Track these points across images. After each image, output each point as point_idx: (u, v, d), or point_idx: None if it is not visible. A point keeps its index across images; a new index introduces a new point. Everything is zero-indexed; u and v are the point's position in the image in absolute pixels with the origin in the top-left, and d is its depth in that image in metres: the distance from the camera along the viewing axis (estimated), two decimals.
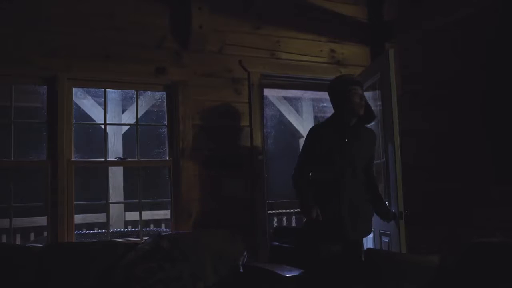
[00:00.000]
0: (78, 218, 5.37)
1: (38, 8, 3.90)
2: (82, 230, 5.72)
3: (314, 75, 4.79)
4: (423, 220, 5.05)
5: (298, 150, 4.08)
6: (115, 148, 6.02)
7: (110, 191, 5.10)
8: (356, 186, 3.67)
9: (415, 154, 5.16)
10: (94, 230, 5.87)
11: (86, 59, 3.99)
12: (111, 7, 4.12)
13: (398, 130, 4.11)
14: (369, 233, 3.89)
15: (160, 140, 4.54)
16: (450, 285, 3.49)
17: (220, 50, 4.46)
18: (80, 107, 5.77)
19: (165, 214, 5.80)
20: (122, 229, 5.94)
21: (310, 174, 3.72)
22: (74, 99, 4.24)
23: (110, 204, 4.45)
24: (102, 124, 4.62)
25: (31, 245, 3.95)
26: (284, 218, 6.71)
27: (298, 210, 3.94)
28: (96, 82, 4.21)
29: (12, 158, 3.85)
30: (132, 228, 6.13)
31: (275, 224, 6.58)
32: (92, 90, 5.52)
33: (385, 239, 4.27)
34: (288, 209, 6.62)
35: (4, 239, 4.90)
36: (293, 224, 6.71)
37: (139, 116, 4.64)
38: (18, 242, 5.55)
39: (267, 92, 5.07)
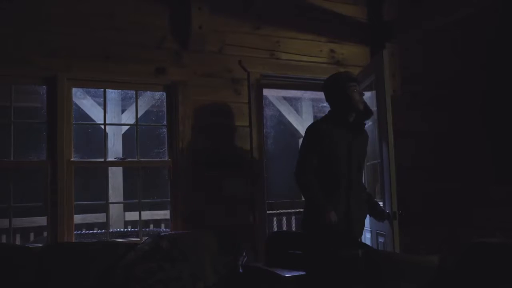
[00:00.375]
0: (78, 218, 5.37)
1: (38, 8, 3.90)
2: (81, 230, 5.71)
3: (313, 75, 4.79)
4: (423, 220, 5.06)
5: (297, 150, 4.07)
6: (114, 148, 6.02)
7: (110, 191, 5.10)
8: (358, 184, 3.67)
9: (415, 155, 5.16)
10: (93, 230, 5.87)
11: (86, 59, 3.99)
12: (111, 7, 4.12)
13: (392, 130, 4.10)
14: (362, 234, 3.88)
15: (160, 140, 4.54)
16: (449, 285, 3.49)
17: (220, 50, 4.46)
18: (79, 107, 5.76)
19: (164, 214, 5.80)
20: (122, 229, 5.94)
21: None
22: (74, 99, 4.24)
23: (109, 204, 4.45)
24: (101, 124, 4.61)
25: (31, 245, 3.95)
26: (284, 218, 6.70)
27: (300, 210, 3.86)
28: (96, 82, 4.21)
29: (12, 158, 3.85)
30: (131, 228, 6.12)
31: (275, 224, 6.57)
32: (91, 90, 5.52)
33: (381, 239, 4.27)
34: (288, 209, 6.62)
35: (4, 239, 4.90)
36: (293, 225, 6.70)
37: (138, 116, 4.64)
38: (18, 242, 5.54)
39: (266, 92, 5.06)
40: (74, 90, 4.09)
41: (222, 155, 4.37)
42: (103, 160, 4.28)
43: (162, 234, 3.80)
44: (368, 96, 4.43)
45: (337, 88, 3.61)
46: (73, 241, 3.91)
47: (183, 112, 4.25)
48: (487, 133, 5.45)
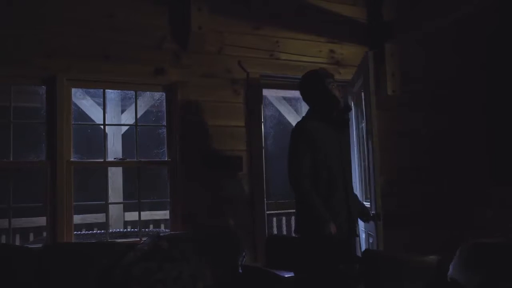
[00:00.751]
0: (78, 219, 5.37)
1: (37, 9, 3.89)
2: (81, 231, 5.71)
3: None
4: (422, 220, 5.06)
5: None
6: (114, 148, 6.02)
7: (109, 191, 5.11)
8: (352, 184, 3.64)
9: (415, 154, 5.16)
10: (93, 231, 5.87)
11: (86, 60, 3.99)
12: (111, 8, 4.12)
13: (376, 131, 4.09)
14: None
15: (159, 141, 4.54)
16: (449, 285, 3.49)
17: (219, 50, 4.46)
18: (79, 108, 5.76)
19: (164, 214, 5.80)
20: (122, 230, 5.94)
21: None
22: (74, 99, 4.24)
23: (109, 205, 4.46)
24: (101, 124, 4.62)
25: (30, 246, 3.96)
26: (284, 218, 6.70)
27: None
28: (95, 83, 4.21)
29: (12, 159, 3.85)
30: (131, 228, 6.12)
31: (275, 224, 6.56)
32: (91, 90, 5.51)
33: (370, 240, 4.26)
34: (288, 209, 6.61)
35: (3, 240, 4.89)
36: (293, 225, 6.68)
37: (138, 116, 4.65)
38: (17, 242, 5.54)
39: (266, 92, 5.07)
40: (73, 90, 4.09)
41: (222, 155, 4.37)
42: (102, 160, 4.28)
43: (161, 234, 3.80)
44: (363, 97, 4.44)
45: (318, 86, 3.51)
46: (73, 241, 3.91)
47: (183, 112, 4.25)
48: (487, 133, 5.45)
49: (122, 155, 5.89)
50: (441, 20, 4.54)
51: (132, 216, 6.16)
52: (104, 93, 4.31)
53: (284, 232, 6.53)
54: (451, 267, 3.59)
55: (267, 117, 7.19)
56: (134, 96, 4.49)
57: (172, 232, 4.09)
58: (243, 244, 4.01)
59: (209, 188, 4.30)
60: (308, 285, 3.32)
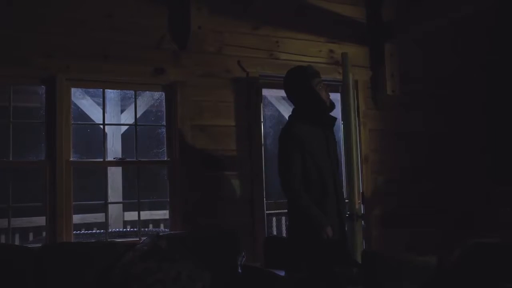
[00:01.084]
0: (77, 218, 5.36)
1: (37, 9, 3.89)
2: (81, 230, 5.71)
3: None
4: (422, 220, 5.06)
5: None
6: (113, 148, 6.01)
7: (109, 191, 5.11)
8: (341, 186, 3.60)
9: (414, 154, 5.16)
10: (92, 230, 5.86)
11: (85, 60, 3.99)
12: (110, 8, 4.11)
13: (357, 132, 4.07)
14: None
15: (159, 140, 4.53)
16: (449, 285, 3.50)
17: (219, 50, 4.46)
18: (78, 107, 5.75)
19: (164, 214, 5.80)
20: (121, 229, 5.93)
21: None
22: (73, 99, 4.24)
23: (108, 204, 4.45)
24: (100, 124, 4.62)
25: (30, 245, 3.95)
26: (283, 218, 6.69)
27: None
28: (95, 82, 4.21)
29: (11, 158, 3.85)
30: (131, 228, 6.12)
31: (274, 224, 6.56)
32: (90, 90, 5.51)
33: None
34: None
35: (3, 239, 4.88)
36: None
37: (137, 116, 4.64)
38: (17, 242, 5.54)
39: (265, 92, 5.06)
40: (73, 90, 4.09)
41: (221, 155, 4.37)
42: (102, 160, 4.29)
43: (161, 234, 3.80)
44: None
45: (305, 86, 3.42)
46: (72, 241, 3.91)
47: (182, 112, 4.25)
48: (487, 133, 5.46)
49: (122, 155, 5.89)
50: (440, 20, 4.55)
51: (131, 215, 6.15)
52: (103, 93, 4.32)
53: (284, 232, 6.53)
54: (450, 267, 3.60)
55: (266, 117, 7.19)
56: (133, 96, 4.49)
57: (171, 232, 4.10)
58: (243, 244, 4.01)
59: (209, 188, 4.30)
60: (305, 286, 3.31)
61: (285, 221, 6.70)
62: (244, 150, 4.46)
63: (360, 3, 5.13)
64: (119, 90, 5.52)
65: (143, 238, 3.90)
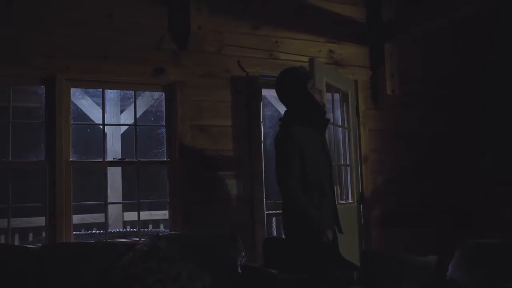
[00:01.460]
0: (77, 219, 5.36)
1: (37, 9, 3.89)
2: (80, 231, 5.70)
3: None
4: (421, 220, 5.06)
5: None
6: (113, 148, 6.01)
7: (109, 191, 5.10)
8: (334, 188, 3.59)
9: (414, 154, 5.16)
10: (92, 231, 5.86)
11: (85, 60, 3.99)
12: (110, 8, 4.11)
13: None
14: None
15: (159, 141, 4.53)
16: (448, 285, 3.50)
17: (219, 50, 4.46)
18: (78, 107, 5.76)
19: (163, 214, 5.80)
20: (121, 230, 5.93)
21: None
22: (73, 99, 4.24)
23: (108, 205, 4.45)
24: (100, 124, 4.62)
25: (29, 246, 3.95)
26: None
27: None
28: (95, 83, 4.21)
29: (11, 159, 3.84)
30: (130, 228, 6.12)
31: (274, 224, 6.55)
32: (90, 90, 5.51)
33: None
34: None
35: (2, 240, 4.89)
36: None
37: (137, 116, 4.64)
38: (16, 242, 5.54)
39: (265, 92, 5.06)
40: (72, 90, 4.09)
41: (221, 155, 4.37)
42: (101, 160, 4.28)
43: (160, 234, 3.80)
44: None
45: (301, 88, 3.39)
46: (72, 241, 3.91)
47: (182, 112, 4.25)
48: (487, 133, 5.46)
49: (121, 155, 5.89)
50: (440, 20, 4.55)
51: (131, 216, 6.15)
52: (103, 93, 4.31)
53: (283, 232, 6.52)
54: (450, 267, 3.60)
55: (266, 117, 7.19)
56: (133, 96, 4.49)
57: (171, 232, 4.09)
58: (243, 244, 4.00)
59: (209, 188, 4.29)
60: (306, 285, 3.31)
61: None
62: (244, 150, 4.46)
63: (360, 3, 5.13)
64: (118, 90, 5.52)
65: (142, 239, 3.90)
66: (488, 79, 5.55)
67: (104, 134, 4.50)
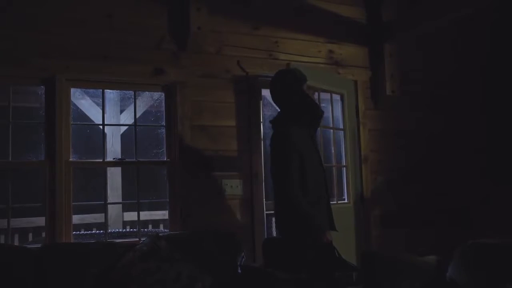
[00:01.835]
0: (76, 219, 5.36)
1: (37, 9, 3.89)
2: (80, 231, 5.71)
3: None
4: (421, 220, 5.06)
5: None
6: (113, 148, 6.02)
7: (108, 191, 5.10)
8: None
9: (413, 155, 5.16)
10: (92, 231, 5.86)
11: (85, 60, 3.99)
12: (110, 8, 4.11)
13: None
14: None
15: (159, 141, 4.53)
16: (448, 285, 3.50)
17: (219, 51, 4.46)
18: (78, 108, 5.76)
19: (163, 214, 5.80)
20: (121, 230, 5.94)
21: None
22: (72, 99, 4.24)
23: (108, 205, 4.45)
24: (100, 124, 4.62)
25: (29, 246, 3.95)
26: None
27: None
28: (94, 83, 4.21)
29: (10, 159, 3.84)
30: (130, 228, 6.12)
31: (274, 224, 6.54)
32: (90, 90, 5.51)
33: None
34: None
35: (2, 240, 4.89)
36: None
37: (137, 116, 4.64)
38: (16, 242, 5.54)
39: (265, 92, 5.05)
40: (72, 90, 4.09)
41: (221, 156, 4.37)
42: (101, 160, 4.28)
43: (160, 234, 3.80)
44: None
45: (299, 90, 3.41)
46: (72, 241, 3.91)
47: (182, 113, 4.25)
48: (487, 133, 5.46)
49: (121, 155, 5.89)
50: (440, 20, 4.55)
51: (131, 216, 6.16)
52: (103, 93, 4.31)
53: None
54: (450, 267, 3.60)
55: (266, 117, 7.18)
56: (133, 96, 4.49)
57: (171, 232, 4.09)
58: (242, 244, 4.01)
59: (208, 188, 4.29)
60: (306, 286, 3.31)
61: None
62: (244, 150, 4.46)
63: (360, 3, 5.13)
64: (118, 91, 5.52)
65: (142, 239, 3.90)
66: (487, 80, 5.55)
67: (104, 134, 4.50)
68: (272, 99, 3.59)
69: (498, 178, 5.30)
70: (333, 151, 4.70)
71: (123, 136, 6.18)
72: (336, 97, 4.78)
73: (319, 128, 3.80)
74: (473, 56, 5.52)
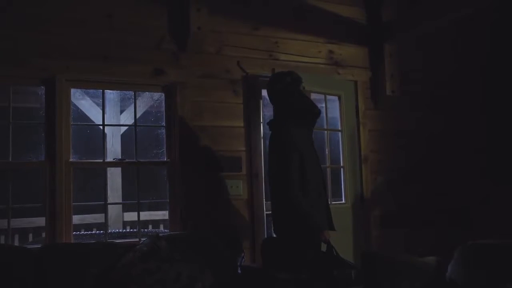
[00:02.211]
0: (76, 219, 5.36)
1: (36, 9, 3.89)
2: (80, 231, 5.70)
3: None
4: (420, 220, 5.06)
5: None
6: (113, 148, 6.01)
7: (109, 191, 5.10)
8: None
9: (413, 155, 5.16)
10: (92, 231, 5.86)
11: (85, 60, 3.99)
12: (110, 8, 4.11)
13: None
14: None
15: (159, 141, 4.53)
16: (448, 285, 3.50)
17: (218, 51, 4.46)
18: (78, 108, 5.75)
19: (163, 214, 5.80)
20: (121, 230, 5.93)
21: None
22: (73, 99, 4.24)
23: (108, 205, 4.45)
24: (100, 125, 4.62)
25: (29, 246, 3.95)
26: None
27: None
28: (95, 83, 4.21)
29: (11, 159, 3.84)
30: (130, 228, 6.12)
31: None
32: (90, 91, 5.51)
33: None
34: None
35: (2, 240, 4.88)
36: None
37: (137, 117, 4.64)
38: (16, 243, 5.53)
39: (265, 93, 5.04)
40: (72, 90, 4.09)
41: (221, 156, 4.37)
42: (101, 160, 4.28)
43: (160, 234, 3.80)
44: None
45: (296, 89, 3.47)
46: (72, 241, 3.91)
47: (182, 113, 4.25)
48: (487, 133, 5.46)
49: (121, 156, 5.89)
50: (440, 20, 4.55)
51: (131, 216, 6.16)
52: (103, 93, 4.32)
53: None
54: (449, 267, 3.60)
55: (266, 117, 7.18)
56: (133, 97, 4.49)
57: (171, 233, 4.09)
58: (242, 245, 4.01)
59: (208, 189, 4.29)
60: (306, 286, 3.32)
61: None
62: (243, 150, 4.46)
63: (360, 4, 5.13)
64: (118, 91, 5.51)
65: (142, 239, 3.89)
66: (487, 80, 5.55)
67: (104, 135, 4.50)
68: (270, 100, 3.62)
69: (498, 178, 5.30)
70: (327, 152, 4.69)
71: (123, 136, 6.18)
72: (334, 98, 4.78)
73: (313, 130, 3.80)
74: (473, 56, 5.52)
